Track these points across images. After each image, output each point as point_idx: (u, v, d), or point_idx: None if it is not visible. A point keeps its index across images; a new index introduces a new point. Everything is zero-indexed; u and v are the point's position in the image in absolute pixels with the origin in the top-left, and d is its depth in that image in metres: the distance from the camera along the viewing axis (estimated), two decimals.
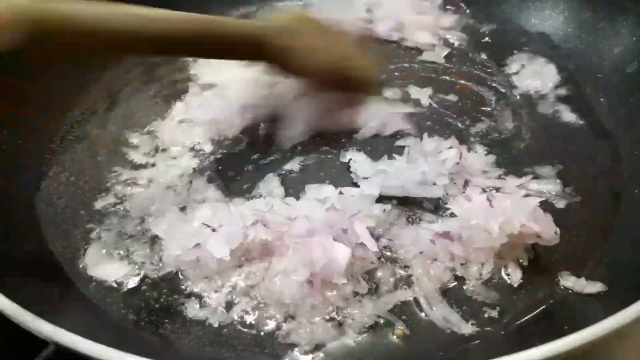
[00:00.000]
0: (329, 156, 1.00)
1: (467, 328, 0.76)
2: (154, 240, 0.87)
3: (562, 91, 1.12)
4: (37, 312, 0.64)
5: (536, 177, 0.94)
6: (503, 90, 1.12)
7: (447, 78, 1.15)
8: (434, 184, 0.90)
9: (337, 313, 0.77)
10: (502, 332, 0.76)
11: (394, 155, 0.96)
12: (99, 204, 0.92)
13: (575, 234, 0.86)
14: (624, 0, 1.10)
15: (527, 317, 0.77)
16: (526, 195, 0.89)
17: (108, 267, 0.84)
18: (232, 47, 0.88)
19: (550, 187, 0.93)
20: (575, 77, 1.13)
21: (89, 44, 0.76)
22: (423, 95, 1.10)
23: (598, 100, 1.08)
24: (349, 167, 0.96)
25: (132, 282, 0.82)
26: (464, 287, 0.81)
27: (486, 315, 0.78)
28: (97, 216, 0.91)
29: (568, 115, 1.06)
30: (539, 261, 0.83)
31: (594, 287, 0.79)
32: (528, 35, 1.23)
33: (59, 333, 0.63)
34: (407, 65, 1.19)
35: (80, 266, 0.84)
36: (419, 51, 1.22)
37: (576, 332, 0.61)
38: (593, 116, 1.06)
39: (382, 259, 0.83)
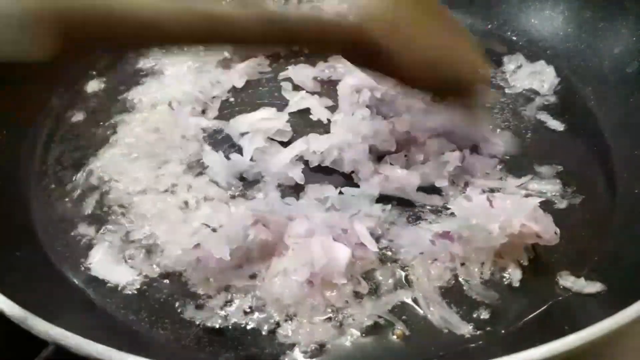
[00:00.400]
0: None
1: (467, 329, 0.76)
2: (154, 240, 0.87)
3: (562, 91, 1.12)
4: (37, 312, 0.64)
5: (536, 177, 0.94)
6: (502, 90, 1.12)
7: None
8: (434, 185, 0.91)
9: (337, 313, 0.77)
10: (502, 332, 0.76)
11: (395, 156, 0.96)
12: (98, 204, 0.93)
13: (575, 234, 0.86)
14: (624, 0, 1.10)
15: (527, 317, 0.77)
16: (526, 196, 0.89)
17: (114, 270, 0.83)
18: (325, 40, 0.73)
19: (550, 187, 0.93)
20: (575, 77, 1.13)
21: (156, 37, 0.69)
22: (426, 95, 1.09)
23: (598, 100, 1.08)
24: None
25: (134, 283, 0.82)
26: (464, 287, 0.81)
27: (486, 316, 0.78)
28: (97, 216, 0.91)
29: (567, 115, 1.06)
30: (539, 261, 0.83)
31: (594, 287, 0.79)
32: (528, 35, 1.23)
33: (59, 333, 0.63)
34: None
35: (82, 267, 0.84)
36: None
37: (576, 332, 0.61)
38: (593, 116, 1.06)
39: (382, 259, 0.83)
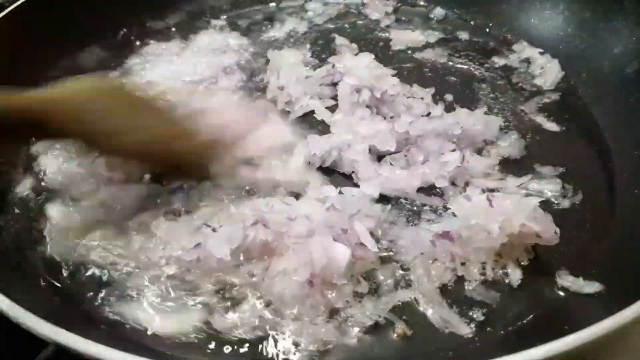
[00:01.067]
0: None
1: (467, 329, 0.76)
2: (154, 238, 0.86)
3: (562, 91, 1.12)
4: (37, 312, 0.64)
5: (536, 177, 0.94)
6: (503, 90, 1.13)
7: (448, 78, 1.15)
8: (434, 185, 0.91)
9: (337, 313, 0.77)
10: (502, 332, 0.76)
11: (395, 156, 0.96)
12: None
13: (575, 234, 0.86)
14: (624, 0, 1.10)
15: (526, 317, 0.77)
16: (527, 195, 0.89)
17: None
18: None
19: (550, 186, 0.93)
20: (575, 77, 1.14)
21: None
22: (426, 95, 1.09)
23: (598, 100, 1.08)
24: None
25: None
26: (464, 287, 0.81)
27: (486, 316, 0.78)
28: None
29: (568, 115, 1.06)
30: (538, 261, 0.83)
31: (593, 287, 0.79)
32: (528, 35, 1.23)
33: (59, 333, 0.63)
34: (408, 65, 1.19)
35: (82, 269, 0.84)
36: (420, 50, 1.23)
37: (576, 332, 0.61)
38: (592, 116, 1.06)
39: (382, 259, 0.83)
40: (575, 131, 1.04)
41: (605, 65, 1.11)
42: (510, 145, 1.00)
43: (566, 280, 0.80)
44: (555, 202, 0.91)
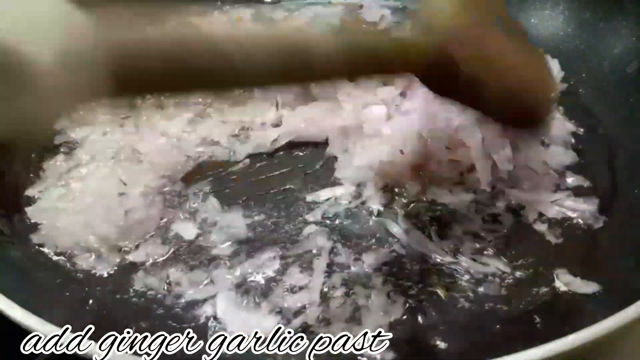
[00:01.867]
0: None
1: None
2: None
3: (562, 91, 1.12)
4: (36, 311, 0.64)
5: (572, 194, 0.91)
6: None
7: None
8: None
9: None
10: (501, 332, 0.76)
11: None
12: None
13: (574, 234, 0.86)
14: (623, 0, 1.10)
15: (526, 317, 0.77)
16: (561, 215, 0.88)
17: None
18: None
19: (585, 206, 0.89)
20: (575, 77, 1.13)
21: None
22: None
23: (597, 100, 1.08)
24: None
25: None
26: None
27: (484, 316, 0.77)
28: None
29: (567, 115, 1.06)
30: (538, 260, 0.83)
31: (592, 286, 0.78)
32: (528, 35, 1.23)
33: (58, 332, 0.62)
34: None
35: (82, 267, 0.84)
36: None
37: (576, 332, 0.61)
38: (592, 116, 1.06)
39: None
40: (574, 131, 1.04)
41: (605, 65, 1.10)
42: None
43: (566, 280, 0.80)
44: (582, 222, 0.88)
